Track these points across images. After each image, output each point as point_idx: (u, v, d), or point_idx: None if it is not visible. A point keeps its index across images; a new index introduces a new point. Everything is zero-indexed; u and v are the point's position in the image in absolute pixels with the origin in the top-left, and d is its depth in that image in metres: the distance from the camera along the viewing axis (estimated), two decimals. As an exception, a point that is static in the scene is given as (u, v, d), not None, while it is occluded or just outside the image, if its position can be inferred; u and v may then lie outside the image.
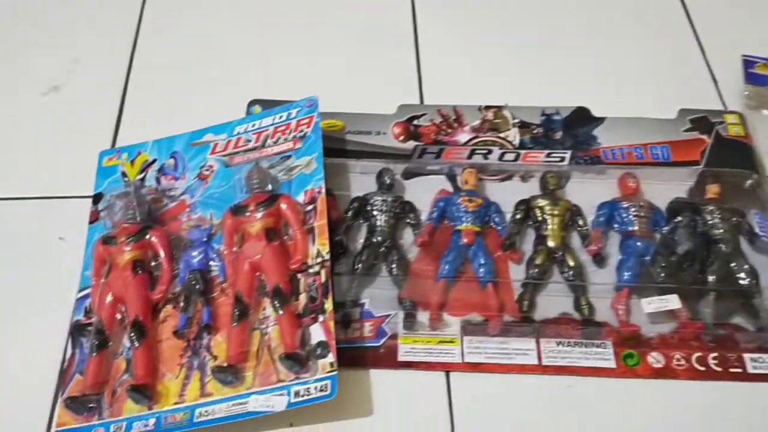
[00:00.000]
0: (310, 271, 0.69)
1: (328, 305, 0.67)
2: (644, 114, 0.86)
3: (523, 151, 0.83)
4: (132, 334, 0.68)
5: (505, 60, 0.94)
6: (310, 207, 0.73)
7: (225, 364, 0.65)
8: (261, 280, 0.70)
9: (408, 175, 0.82)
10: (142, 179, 0.80)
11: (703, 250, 0.74)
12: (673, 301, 0.70)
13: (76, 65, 0.94)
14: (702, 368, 0.69)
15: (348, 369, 0.68)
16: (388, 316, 0.72)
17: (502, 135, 0.85)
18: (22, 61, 0.95)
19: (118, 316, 0.70)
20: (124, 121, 0.89)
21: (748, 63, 0.89)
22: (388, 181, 0.78)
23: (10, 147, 0.87)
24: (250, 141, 0.80)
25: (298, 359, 0.64)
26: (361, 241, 0.76)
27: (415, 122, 0.86)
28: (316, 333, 0.66)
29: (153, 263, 0.73)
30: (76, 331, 0.70)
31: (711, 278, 0.72)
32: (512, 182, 0.82)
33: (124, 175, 0.81)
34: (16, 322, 0.73)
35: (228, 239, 0.72)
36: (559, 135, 0.85)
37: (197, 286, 0.71)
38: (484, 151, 0.83)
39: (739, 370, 0.69)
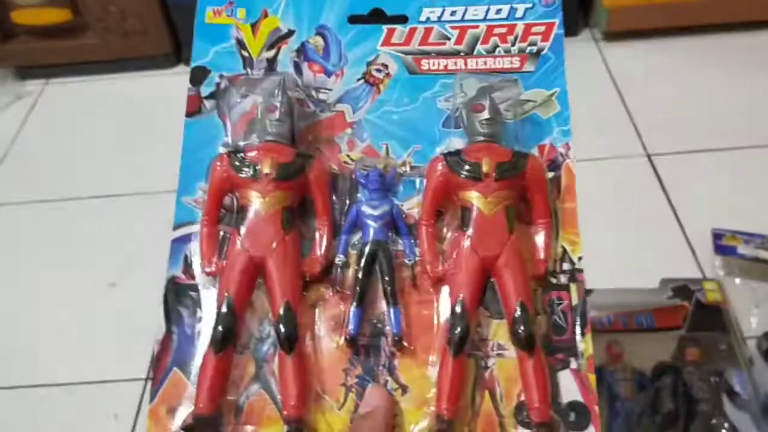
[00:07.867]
0: (553, 281, 0.45)
1: (587, 344, 0.44)
2: (629, 284, 0.97)
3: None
4: (281, 329, 0.42)
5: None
6: (550, 174, 0.47)
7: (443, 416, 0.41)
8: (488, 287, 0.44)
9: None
10: (272, 60, 0.51)
11: (685, 409, 0.82)
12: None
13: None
14: None
15: None
16: None
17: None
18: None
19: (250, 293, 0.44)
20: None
21: (717, 236, 1.01)
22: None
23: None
24: (448, 39, 0.51)
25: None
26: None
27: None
28: (568, 386, 0.43)
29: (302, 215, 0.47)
30: (172, 294, 0.45)
31: (693, 436, 0.80)
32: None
33: (240, 44, 0.51)
34: None
35: (431, 206, 0.46)
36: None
37: (378, 270, 0.45)
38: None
39: None
